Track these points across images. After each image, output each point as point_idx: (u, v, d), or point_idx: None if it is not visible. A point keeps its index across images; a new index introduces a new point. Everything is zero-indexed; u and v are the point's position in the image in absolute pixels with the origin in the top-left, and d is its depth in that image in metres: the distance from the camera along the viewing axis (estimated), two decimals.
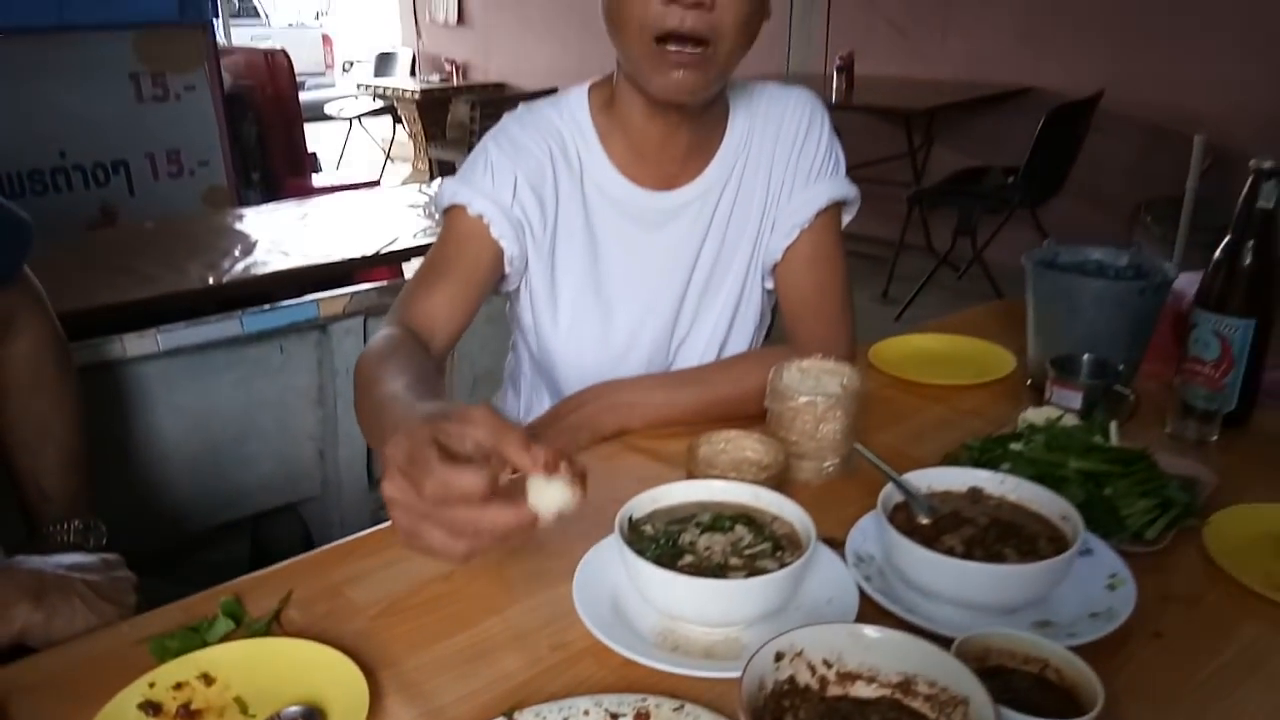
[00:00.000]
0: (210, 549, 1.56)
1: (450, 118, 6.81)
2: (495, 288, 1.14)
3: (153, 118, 3.35)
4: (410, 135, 7.16)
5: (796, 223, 1.15)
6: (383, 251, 1.99)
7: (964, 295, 4.02)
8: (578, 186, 1.13)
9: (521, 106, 1.16)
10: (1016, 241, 3.90)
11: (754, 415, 1.05)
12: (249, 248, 2.07)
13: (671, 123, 1.08)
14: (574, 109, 1.14)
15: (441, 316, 1.06)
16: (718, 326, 1.20)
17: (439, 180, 1.16)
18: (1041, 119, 3.54)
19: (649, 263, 1.16)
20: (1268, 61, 3.57)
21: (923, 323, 1.51)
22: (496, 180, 1.09)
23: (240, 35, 9.80)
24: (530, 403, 1.27)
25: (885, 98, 4.29)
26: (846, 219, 1.21)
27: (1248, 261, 1.05)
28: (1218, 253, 1.07)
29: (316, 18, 12.41)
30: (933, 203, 4.18)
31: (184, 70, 3.37)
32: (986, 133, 4.39)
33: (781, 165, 1.16)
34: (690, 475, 0.92)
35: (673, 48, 0.96)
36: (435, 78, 7.09)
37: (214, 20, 3.49)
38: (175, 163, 3.47)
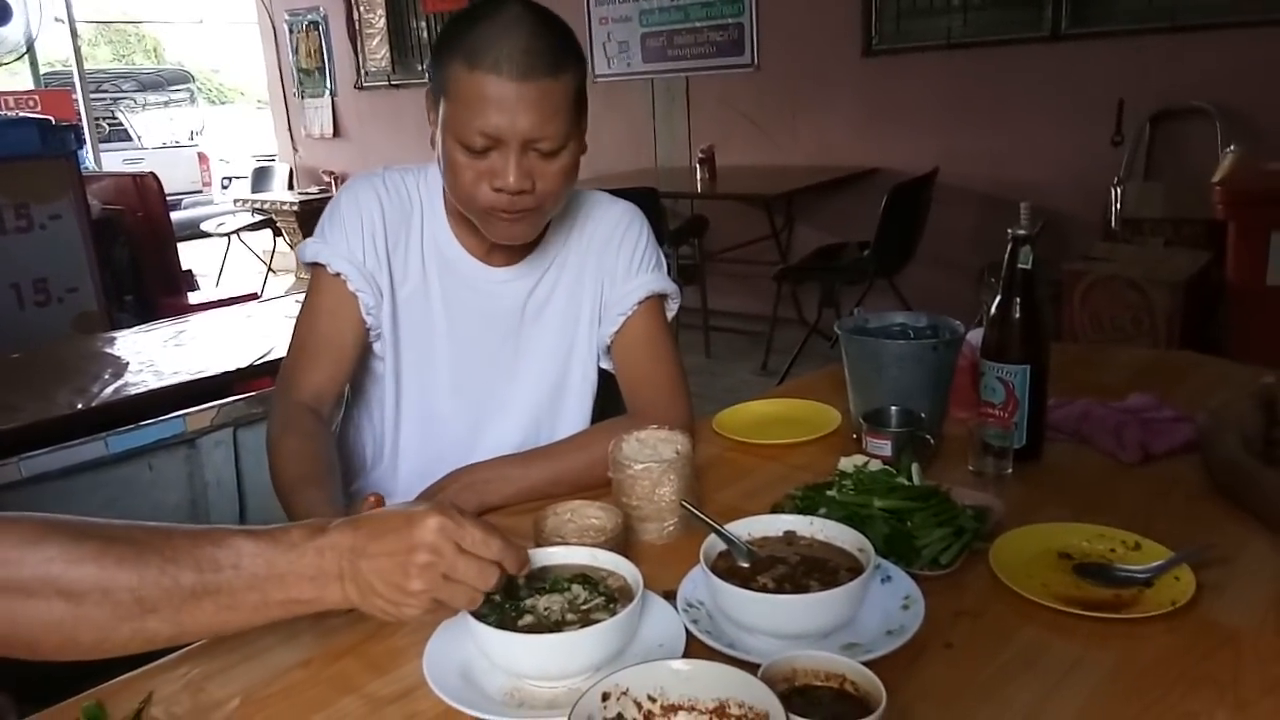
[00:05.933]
0: (92, 674, 1.52)
1: None
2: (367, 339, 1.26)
3: (16, 248, 3.31)
4: (291, 246, 7.16)
5: (620, 311, 1.28)
6: (257, 363, 2.02)
7: (838, 361, 4.23)
8: (419, 244, 1.26)
9: (385, 169, 1.28)
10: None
11: (604, 484, 1.12)
12: (120, 370, 2.07)
13: None
14: (430, 181, 1.27)
15: (327, 391, 1.21)
16: (539, 389, 1.32)
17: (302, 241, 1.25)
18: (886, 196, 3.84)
19: (470, 321, 1.28)
20: (1073, 130, 3.97)
21: None
22: (350, 238, 1.22)
23: (112, 159, 9.67)
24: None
25: (746, 185, 4.56)
26: (670, 314, 1.34)
27: (1017, 315, 1.21)
28: (992, 309, 1.23)
29: (191, 137, 12.34)
30: (798, 279, 4.43)
31: (48, 200, 3.36)
32: (841, 211, 4.70)
33: (601, 262, 1.30)
34: (539, 545, 0.99)
35: (503, 216, 1.12)
36: (314, 189, 7.14)
37: (80, 150, 3.48)
38: (42, 291, 3.41)
